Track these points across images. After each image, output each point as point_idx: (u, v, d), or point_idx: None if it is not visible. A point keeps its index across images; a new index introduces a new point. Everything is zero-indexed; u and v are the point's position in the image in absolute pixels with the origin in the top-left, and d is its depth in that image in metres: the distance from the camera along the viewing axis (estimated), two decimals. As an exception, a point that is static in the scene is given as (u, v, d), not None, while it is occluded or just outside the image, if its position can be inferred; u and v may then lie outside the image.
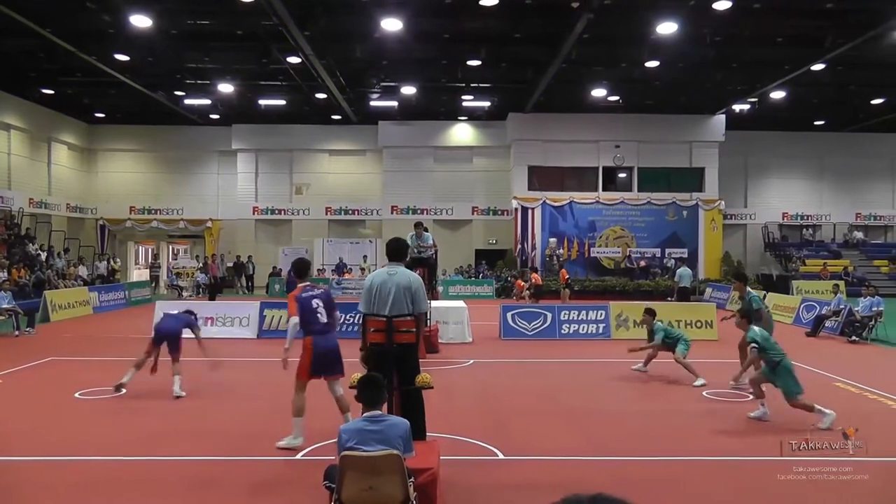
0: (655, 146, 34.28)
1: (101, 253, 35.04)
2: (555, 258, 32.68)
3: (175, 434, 8.61)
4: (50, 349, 15.28)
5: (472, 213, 36.27)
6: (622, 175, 35.09)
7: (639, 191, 34.47)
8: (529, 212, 33.73)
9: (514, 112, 33.59)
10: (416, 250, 14.43)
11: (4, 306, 18.02)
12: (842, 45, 22.08)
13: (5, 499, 6.47)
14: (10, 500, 6.43)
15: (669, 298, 25.90)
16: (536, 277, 27.26)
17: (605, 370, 13.11)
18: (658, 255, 33.70)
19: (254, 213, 36.87)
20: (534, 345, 16.55)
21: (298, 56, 23.47)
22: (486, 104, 32.11)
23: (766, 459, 7.36)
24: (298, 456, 7.63)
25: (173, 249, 40.26)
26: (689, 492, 6.81)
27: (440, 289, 24.24)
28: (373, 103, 31.37)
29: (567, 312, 18.11)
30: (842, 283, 25.65)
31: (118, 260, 34.90)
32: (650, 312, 12.69)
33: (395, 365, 6.79)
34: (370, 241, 35.67)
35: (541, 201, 33.79)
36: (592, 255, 33.53)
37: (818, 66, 24.52)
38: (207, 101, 31.25)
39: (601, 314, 17.90)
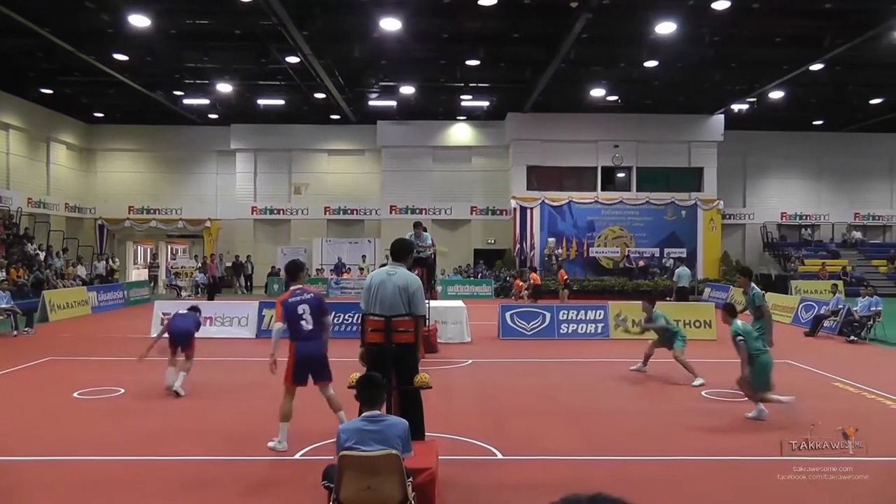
0: (654, 146, 34.29)
1: (99, 253, 35.03)
2: (553, 258, 32.67)
3: (174, 434, 8.61)
4: (48, 349, 15.27)
5: (471, 213, 36.25)
6: (621, 175, 35.09)
7: (637, 190, 34.47)
8: (528, 211, 33.73)
9: (512, 112, 33.59)
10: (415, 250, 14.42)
11: (3, 306, 18.01)
12: (840, 46, 22.09)
13: (4, 499, 6.47)
14: (10, 500, 6.43)
15: (668, 298, 25.83)
16: (535, 277, 27.25)
17: (603, 370, 13.12)
18: (657, 254, 33.69)
19: (252, 213, 36.85)
20: (532, 344, 16.55)
21: (297, 56, 23.46)
22: (485, 104, 32.09)
23: (766, 459, 7.37)
24: (297, 456, 7.63)
25: (172, 249, 40.23)
26: (689, 492, 6.82)
27: (439, 289, 24.22)
28: (371, 103, 31.34)
29: (566, 312, 18.12)
30: (840, 283, 25.68)
31: (117, 260, 34.91)
32: (650, 301, 12.80)
33: (394, 365, 6.79)
34: (369, 240, 35.67)
35: (539, 201, 33.78)
36: (591, 254, 33.52)
37: (817, 66, 24.51)
38: (206, 101, 31.22)
39: (600, 314, 17.91)
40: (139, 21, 20.50)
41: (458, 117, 35.30)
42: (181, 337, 10.91)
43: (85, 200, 36.48)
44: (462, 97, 31.00)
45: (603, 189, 34.62)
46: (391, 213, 35.59)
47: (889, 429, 8.78)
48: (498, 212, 35.89)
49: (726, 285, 28.74)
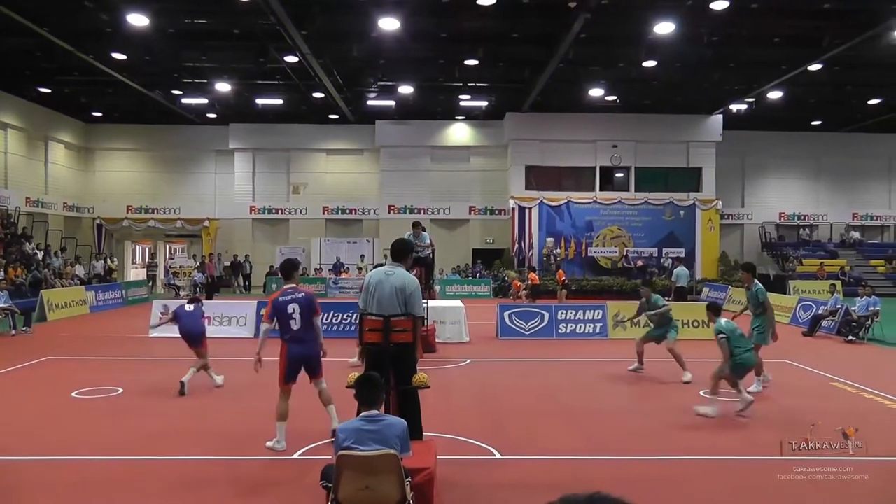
0: (653, 146, 34.31)
1: (97, 252, 35.00)
2: (552, 258, 32.67)
3: (172, 433, 8.61)
4: (47, 349, 15.27)
5: (470, 213, 36.25)
6: (619, 175, 35.11)
7: (636, 190, 34.49)
8: (526, 211, 33.74)
9: (511, 112, 33.59)
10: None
11: (1, 306, 18.00)
12: (839, 46, 22.11)
13: (3, 499, 6.46)
14: (9, 500, 6.43)
15: (667, 298, 25.90)
16: (534, 277, 27.27)
17: (602, 370, 13.12)
18: (655, 254, 33.73)
19: (251, 213, 36.82)
20: (531, 344, 16.55)
21: (296, 55, 23.45)
22: (484, 104, 32.08)
23: (766, 459, 7.36)
24: (295, 455, 7.63)
25: (170, 249, 40.21)
26: (689, 491, 6.82)
27: (437, 288, 24.22)
28: (370, 103, 31.33)
29: (564, 312, 18.13)
30: (838, 283, 25.72)
31: (115, 259, 34.91)
32: (647, 284, 12.98)
33: (392, 364, 6.78)
34: (367, 240, 35.66)
35: (538, 201, 33.80)
36: (589, 254, 33.54)
37: (815, 67, 24.53)
38: (205, 101, 31.20)
39: (598, 314, 17.93)
40: (138, 20, 20.48)
41: (457, 117, 35.29)
42: (192, 337, 11.12)
43: (83, 200, 36.44)
44: (461, 97, 30.99)
45: (601, 189, 34.65)
46: (390, 212, 35.57)
47: (888, 428, 8.79)
48: (496, 211, 35.90)
49: (724, 285, 28.76)
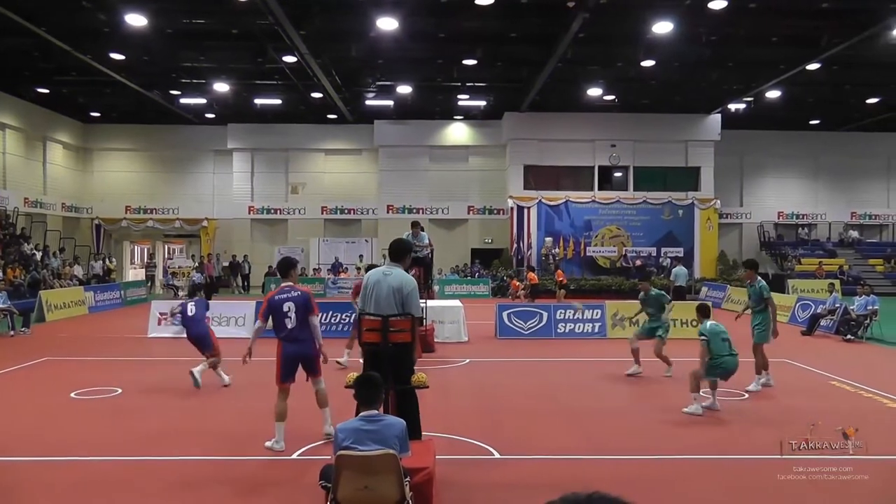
0: (651, 145, 34.33)
1: (96, 252, 34.98)
2: (550, 257, 32.68)
3: (171, 434, 8.61)
4: (45, 349, 15.25)
5: (468, 213, 36.25)
6: (618, 174, 35.13)
7: (635, 190, 34.51)
8: (525, 211, 33.75)
9: (509, 111, 33.60)
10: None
11: (0, 306, 17.99)
12: (837, 45, 22.12)
13: (3, 499, 6.46)
14: (8, 501, 6.42)
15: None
16: (533, 277, 27.28)
17: (601, 369, 13.12)
18: (654, 254, 33.75)
19: (250, 213, 36.81)
20: (530, 344, 16.56)
21: (294, 55, 23.46)
22: (482, 103, 32.09)
23: (766, 459, 7.35)
24: (294, 455, 7.63)
25: (169, 249, 40.19)
26: (688, 491, 6.82)
27: (436, 288, 24.21)
28: (368, 102, 31.32)
29: (563, 312, 18.13)
30: (837, 282, 25.67)
31: (114, 259, 34.89)
32: (645, 279, 13.01)
33: (390, 364, 6.77)
34: (366, 240, 35.66)
35: (537, 200, 33.80)
36: (588, 254, 33.55)
37: (813, 66, 24.56)
38: (203, 101, 31.19)
39: (597, 313, 17.93)
40: (136, 20, 20.48)
41: (455, 117, 35.30)
42: (199, 340, 11.27)
43: (81, 200, 36.41)
44: (459, 97, 31.01)
45: (600, 188, 34.67)
46: (388, 212, 35.54)
47: (887, 428, 8.80)
48: (495, 211, 35.91)
49: (723, 284, 28.79)
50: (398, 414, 6.14)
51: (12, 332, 17.65)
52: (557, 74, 26.02)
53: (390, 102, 31.48)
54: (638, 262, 33.11)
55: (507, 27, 22.25)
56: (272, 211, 36.89)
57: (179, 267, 34.70)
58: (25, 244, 28.12)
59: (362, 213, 36.72)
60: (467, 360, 14.18)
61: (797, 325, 19.79)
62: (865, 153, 37.16)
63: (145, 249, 41.02)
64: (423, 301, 14.25)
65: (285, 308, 7.79)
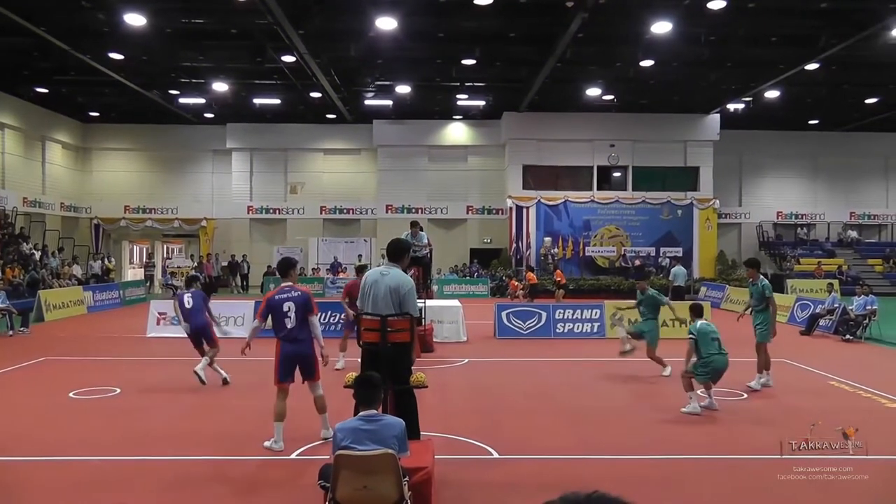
0: (650, 145, 34.35)
1: (95, 252, 34.94)
2: (549, 257, 32.68)
3: (170, 434, 8.61)
4: (44, 349, 15.24)
5: (467, 213, 36.24)
6: (617, 174, 35.13)
7: (633, 190, 34.52)
8: (524, 211, 33.75)
9: (508, 111, 33.61)
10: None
11: (-1, 306, 18.01)
12: (836, 45, 22.12)
13: (1, 499, 6.45)
14: (7, 501, 6.42)
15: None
16: (532, 277, 27.29)
17: (600, 369, 13.13)
18: (653, 254, 33.75)
19: (248, 213, 36.80)
20: (528, 344, 16.56)
21: (293, 55, 23.45)
22: (481, 103, 32.09)
23: (766, 459, 7.34)
24: (293, 455, 7.63)
25: (168, 249, 40.17)
26: (688, 491, 6.82)
27: (435, 288, 24.22)
28: (367, 102, 31.30)
29: (562, 311, 18.14)
30: (836, 282, 25.73)
31: (113, 259, 34.86)
32: (642, 277, 13.13)
33: (389, 364, 6.77)
34: (365, 240, 35.65)
35: (535, 200, 33.80)
36: (587, 254, 33.54)
37: (812, 66, 24.57)
38: (202, 100, 31.18)
39: (596, 313, 17.93)
40: (135, 20, 20.47)
41: (454, 117, 35.31)
42: (200, 332, 11.31)
43: (80, 200, 36.38)
44: (458, 96, 31.01)
45: (599, 188, 34.68)
46: (387, 212, 35.53)
47: (886, 427, 8.80)
48: (494, 211, 35.91)
49: (722, 284, 28.80)
50: (397, 414, 6.14)
51: (11, 332, 17.65)
52: (556, 74, 26.03)
53: (389, 102, 31.48)
54: (637, 262, 33.10)
55: (506, 27, 22.25)
56: (271, 211, 36.88)
57: (178, 267, 34.66)
58: (24, 244, 28.10)
59: (361, 212, 36.71)
60: (466, 360, 14.18)
61: (796, 325, 19.80)
62: (864, 153, 37.17)
63: (144, 249, 40.99)
64: (422, 301, 14.28)
65: (285, 308, 7.79)
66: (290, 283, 8.11)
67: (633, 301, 13.57)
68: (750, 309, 11.93)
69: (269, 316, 7.90)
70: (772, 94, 29.13)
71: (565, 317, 17.94)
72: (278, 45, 22.65)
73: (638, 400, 10.72)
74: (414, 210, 35.04)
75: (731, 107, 32.08)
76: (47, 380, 12.16)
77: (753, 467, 7.42)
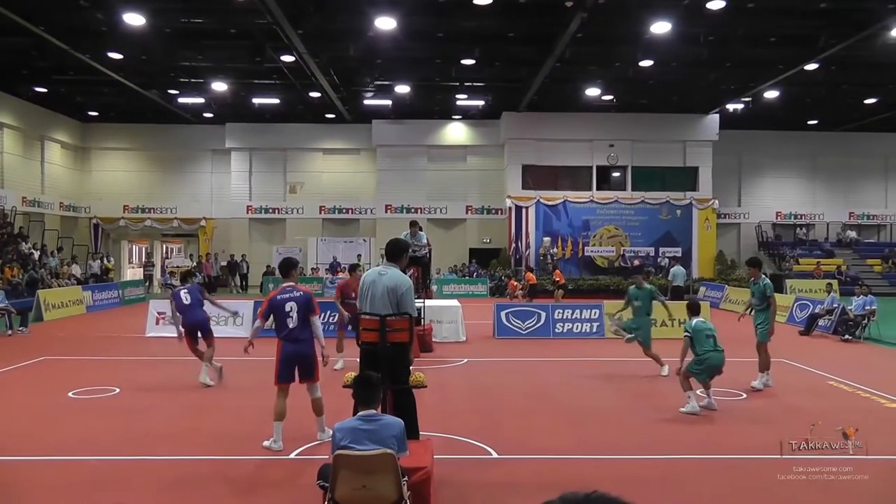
0: (649, 145, 34.37)
1: (94, 252, 34.92)
2: (548, 257, 32.69)
3: (168, 433, 8.60)
4: (43, 348, 15.22)
5: (466, 212, 36.25)
6: (616, 174, 35.15)
7: (633, 190, 34.54)
8: (523, 211, 33.75)
9: (507, 111, 33.61)
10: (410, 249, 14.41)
11: (-2, 305, 18.00)
12: (835, 45, 22.14)
13: (1, 498, 6.45)
14: (6, 500, 6.41)
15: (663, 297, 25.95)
16: (531, 277, 27.30)
17: (599, 369, 13.11)
18: (652, 253, 33.76)
19: (248, 212, 36.79)
20: (528, 344, 16.56)
21: (292, 54, 23.45)
22: (480, 103, 32.10)
23: (766, 459, 7.33)
24: (292, 455, 7.62)
25: (167, 248, 40.14)
26: (688, 491, 6.81)
27: (434, 288, 24.22)
28: (366, 102, 31.31)
29: (561, 311, 18.13)
30: (835, 282, 25.73)
31: (112, 259, 34.84)
32: (639, 271, 13.18)
33: (388, 364, 6.76)
34: (364, 240, 35.64)
35: (535, 200, 33.81)
36: (586, 254, 33.56)
37: (811, 66, 24.59)
38: (201, 100, 31.19)
39: (595, 313, 17.92)
40: (134, 19, 20.46)
41: (454, 116, 35.32)
42: (197, 327, 11.32)
43: (79, 199, 36.37)
44: (457, 96, 31.02)
45: (598, 188, 34.71)
46: (386, 212, 35.53)
47: (886, 427, 8.80)
48: (493, 211, 35.92)
49: (721, 284, 28.79)
50: (395, 414, 6.14)
51: (10, 332, 17.63)
52: (555, 74, 26.04)
53: (388, 102, 31.49)
54: (636, 262, 33.08)
55: (506, 27, 22.25)
56: (270, 210, 36.87)
57: (177, 266, 34.62)
58: (23, 243, 28.09)
59: (360, 212, 36.71)
60: (465, 360, 14.18)
61: (795, 325, 19.80)
62: (863, 153, 37.19)
63: (143, 249, 40.97)
64: (421, 301, 14.28)
65: (287, 308, 7.79)
66: (292, 284, 8.11)
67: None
68: (751, 309, 11.93)
69: (271, 316, 7.90)
70: (771, 95, 29.15)
71: (564, 317, 17.93)
72: (277, 44, 22.65)
73: (637, 400, 10.71)
74: (413, 210, 35.03)
75: (731, 107, 32.11)
76: (46, 379, 12.14)
77: (753, 467, 7.41)
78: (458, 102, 32.06)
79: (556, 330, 17.67)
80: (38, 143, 33.35)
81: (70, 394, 10.63)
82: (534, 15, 21.08)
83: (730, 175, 36.80)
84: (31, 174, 32.78)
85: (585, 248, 33.57)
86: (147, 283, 32.86)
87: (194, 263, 33.41)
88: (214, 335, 11.78)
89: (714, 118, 34.16)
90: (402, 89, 29.09)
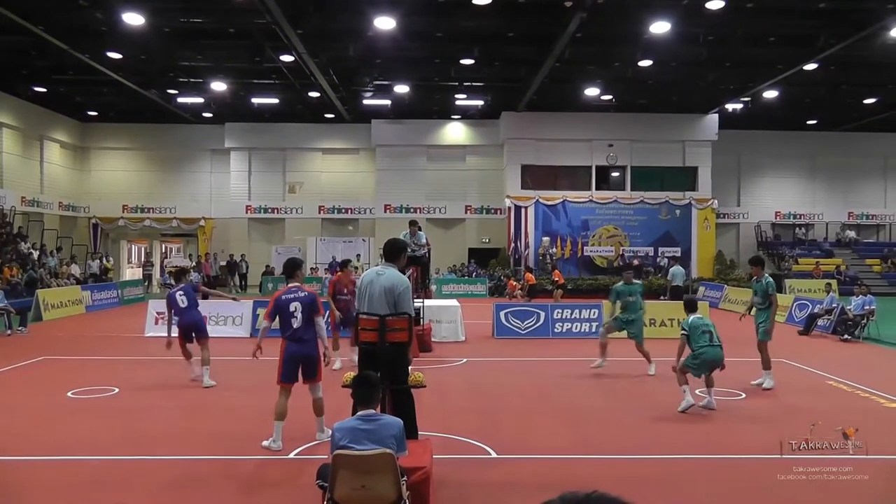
0: (648, 145, 34.38)
1: (93, 251, 34.91)
2: (548, 257, 32.69)
3: (168, 433, 8.60)
4: (42, 348, 15.22)
5: (466, 212, 36.25)
6: (615, 174, 35.15)
7: (632, 190, 34.55)
8: (522, 211, 33.75)
9: (507, 111, 33.61)
10: (409, 249, 14.42)
11: (-3, 305, 17.99)
12: (834, 45, 22.15)
13: (0, 498, 6.45)
14: (5, 500, 6.41)
15: (662, 297, 26.04)
16: (530, 277, 27.30)
17: (598, 368, 13.10)
18: (651, 253, 33.78)
19: (247, 212, 36.78)
20: (527, 343, 16.56)
21: (291, 54, 23.45)
22: (480, 103, 32.11)
23: (766, 460, 7.33)
24: (291, 455, 7.62)
25: (166, 248, 40.11)
26: (688, 491, 6.81)
27: (433, 288, 24.23)
28: (366, 102, 31.32)
29: (560, 311, 18.13)
30: (834, 282, 25.74)
31: (111, 258, 34.83)
32: (628, 268, 13.69)
33: (387, 364, 6.76)
34: (363, 239, 35.63)
35: (534, 200, 33.81)
36: (585, 253, 33.57)
37: (811, 66, 24.60)
38: (200, 100, 31.19)
39: (594, 313, 17.91)
40: (133, 19, 20.45)
41: (453, 116, 35.32)
42: (192, 328, 11.30)
43: (79, 199, 36.35)
44: (456, 96, 31.03)
45: (597, 188, 34.72)
46: (385, 212, 35.52)
47: (885, 427, 8.80)
48: (492, 211, 35.92)
49: (720, 284, 28.79)
50: (393, 413, 6.14)
51: (9, 331, 17.62)
52: (555, 74, 26.04)
53: (388, 102, 31.49)
54: (635, 262, 33.08)
55: (505, 27, 22.25)
56: (269, 210, 36.86)
57: (175, 266, 34.62)
58: (22, 243, 28.07)
59: (359, 212, 36.70)
60: (464, 360, 14.17)
61: (794, 325, 19.80)
62: (862, 153, 37.20)
63: (142, 249, 40.94)
64: (420, 301, 14.27)
65: (291, 308, 7.80)
66: (297, 284, 8.11)
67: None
68: (752, 308, 11.96)
69: (277, 315, 7.91)
70: (770, 94, 29.15)
71: (563, 316, 17.93)
72: (277, 44, 22.65)
73: (637, 399, 10.70)
74: (412, 210, 35.03)
75: (730, 107, 32.12)
76: (45, 379, 12.14)
77: (753, 467, 7.41)
78: (458, 102, 32.07)
79: (556, 330, 17.67)
80: (38, 142, 33.34)
81: (69, 393, 10.62)
82: (533, 15, 21.08)
83: (729, 175, 36.81)
84: (30, 174, 32.77)
85: (584, 247, 33.58)
86: (146, 283, 32.87)
87: (193, 263, 33.38)
88: (209, 336, 11.76)
89: (713, 118, 34.16)
90: (402, 89, 29.10)
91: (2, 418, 9.28)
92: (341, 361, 12.54)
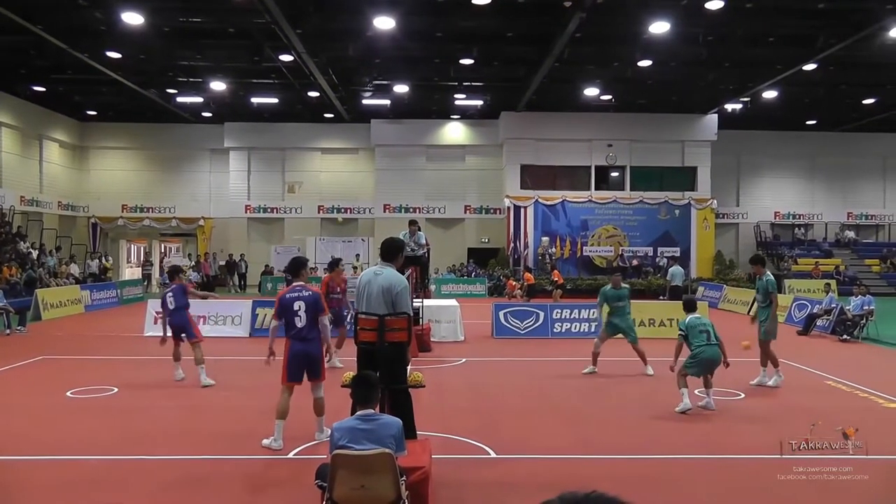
0: (648, 145, 34.38)
1: (92, 251, 34.90)
2: (547, 257, 32.70)
3: (167, 433, 8.59)
4: (42, 348, 15.21)
5: (465, 212, 36.25)
6: (614, 174, 35.16)
7: (631, 190, 34.55)
8: (522, 210, 33.75)
9: (506, 111, 33.60)
10: (408, 248, 14.41)
11: (-4, 305, 17.98)
12: (833, 45, 22.16)
13: (0, 498, 6.45)
14: (4, 500, 6.40)
15: (662, 297, 26.04)
16: (529, 277, 27.31)
17: (598, 368, 13.10)
18: (650, 253, 33.78)
19: (246, 212, 36.77)
20: (526, 343, 16.56)
21: (291, 54, 23.44)
22: (479, 103, 32.12)
23: (766, 460, 7.33)
24: (290, 455, 7.62)
25: (165, 248, 40.09)
26: (688, 491, 6.82)
27: (432, 287, 24.23)
28: (365, 101, 31.33)
29: (559, 311, 18.14)
30: (833, 282, 25.74)
31: (110, 258, 34.82)
32: (615, 271, 13.32)
33: (386, 363, 6.76)
34: (362, 239, 35.62)
35: (533, 200, 33.82)
36: (585, 253, 33.58)
37: (810, 66, 24.61)
38: (200, 99, 31.18)
39: (593, 313, 17.88)
40: (132, 19, 20.44)
41: (452, 116, 35.32)
42: (180, 328, 11.35)
43: (78, 198, 36.33)
44: (456, 96, 31.03)
45: (596, 188, 34.72)
46: (385, 211, 35.52)
47: (884, 427, 8.81)
48: (492, 211, 35.92)
49: (720, 284, 28.80)
50: (392, 413, 6.14)
51: (8, 331, 17.62)
52: (554, 74, 26.03)
53: (387, 101, 31.49)
54: (635, 262, 33.16)
55: (504, 27, 22.25)
56: (269, 210, 36.85)
57: (172, 265, 34.62)
58: (22, 243, 28.04)
59: (359, 212, 36.69)
60: (464, 360, 14.17)
61: (793, 325, 19.81)
62: (862, 153, 37.23)
63: (142, 248, 40.92)
64: (420, 300, 14.27)
65: (295, 307, 7.80)
66: (302, 283, 8.12)
67: (635, 301, 13.62)
68: (754, 305, 12.02)
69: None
70: (769, 95, 29.16)
71: (563, 316, 17.94)
72: (276, 44, 22.64)
73: (636, 399, 10.70)
74: (412, 209, 35.02)
75: (729, 107, 32.13)
76: (44, 379, 12.13)
77: (752, 467, 7.42)
78: (457, 102, 32.07)
79: (555, 330, 17.68)
80: (37, 142, 33.32)
81: (68, 393, 10.62)
82: (532, 15, 21.09)
83: (728, 175, 36.82)
84: (29, 173, 32.75)
85: (584, 247, 33.58)
86: (145, 283, 32.86)
87: (192, 263, 33.36)
88: (203, 336, 11.78)
89: (713, 118, 34.17)
90: (401, 89, 29.09)
91: (1, 418, 9.27)
92: (339, 360, 12.52)
